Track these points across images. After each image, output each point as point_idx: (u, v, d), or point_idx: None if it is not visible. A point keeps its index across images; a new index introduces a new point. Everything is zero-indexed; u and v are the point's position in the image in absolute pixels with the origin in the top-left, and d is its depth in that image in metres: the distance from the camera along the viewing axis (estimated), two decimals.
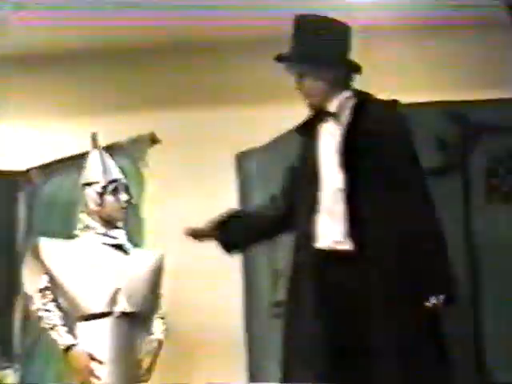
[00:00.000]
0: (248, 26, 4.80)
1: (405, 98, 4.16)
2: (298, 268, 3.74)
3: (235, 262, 4.64)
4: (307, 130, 3.77)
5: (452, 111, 4.59)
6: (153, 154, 4.95)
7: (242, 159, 4.95)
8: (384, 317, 3.51)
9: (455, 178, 4.57)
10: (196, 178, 5.08)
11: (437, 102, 4.59)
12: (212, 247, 4.01)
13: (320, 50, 3.65)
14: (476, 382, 4.44)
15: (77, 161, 4.74)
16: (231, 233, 3.91)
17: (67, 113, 5.34)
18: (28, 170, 5.23)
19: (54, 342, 4.07)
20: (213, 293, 4.98)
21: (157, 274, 4.30)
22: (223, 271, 4.80)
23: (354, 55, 3.83)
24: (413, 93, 4.67)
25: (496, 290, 4.47)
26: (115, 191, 4.21)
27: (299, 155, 3.83)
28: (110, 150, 4.49)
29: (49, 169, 5.20)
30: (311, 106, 3.69)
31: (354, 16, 4.17)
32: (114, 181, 4.23)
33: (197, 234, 3.91)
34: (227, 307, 4.90)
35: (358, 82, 3.98)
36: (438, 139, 4.57)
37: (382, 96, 4.09)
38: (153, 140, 4.93)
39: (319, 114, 3.72)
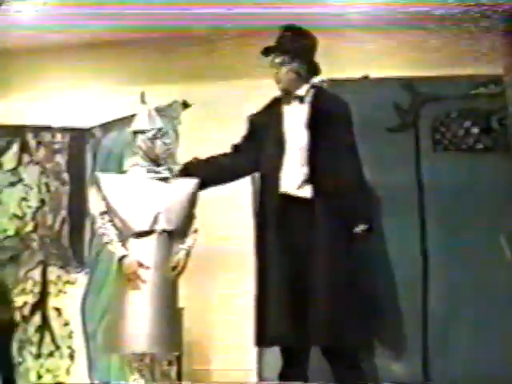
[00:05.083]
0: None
1: (373, 74, 5.21)
2: (264, 208, 4.45)
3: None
4: (273, 107, 4.56)
5: (407, 84, 5.23)
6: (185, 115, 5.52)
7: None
8: (329, 241, 4.29)
9: (409, 133, 5.22)
10: (217, 133, 5.51)
11: (396, 78, 5.28)
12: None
13: (297, 50, 4.46)
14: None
15: (127, 121, 5.15)
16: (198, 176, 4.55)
17: (121, 85, 5.91)
18: (92, 127, 5.95)
19: (111, 253, 4.49)
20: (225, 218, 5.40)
21: (191, 198, 4.56)
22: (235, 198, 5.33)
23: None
24: (379, 70, 5.42)
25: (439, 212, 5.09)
26: (162, 136, 4.58)
27: (259, 123, 4.58)
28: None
29: (107, 127, 5.88)
30: (282, 89, 4.51)
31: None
32: (160, 129, 4.59)
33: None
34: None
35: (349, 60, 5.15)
36: (396, 105, 5.22)
37: (360, 72, 5.15)
38: (185, 105, 5.51)
39: (285, 97, 4.52)
